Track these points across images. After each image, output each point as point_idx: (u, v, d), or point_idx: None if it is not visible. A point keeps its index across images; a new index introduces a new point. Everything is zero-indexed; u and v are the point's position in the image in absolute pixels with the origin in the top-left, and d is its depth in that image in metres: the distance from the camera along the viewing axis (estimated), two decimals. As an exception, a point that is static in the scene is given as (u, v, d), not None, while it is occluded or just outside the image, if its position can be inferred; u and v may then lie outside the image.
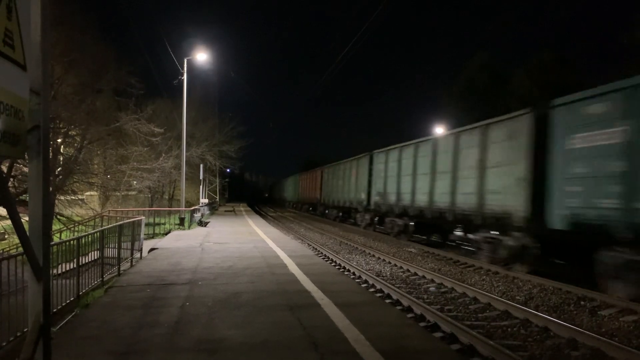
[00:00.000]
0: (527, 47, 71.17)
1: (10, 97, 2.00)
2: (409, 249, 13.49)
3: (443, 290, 8.13)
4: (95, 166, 20.92)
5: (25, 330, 3.57)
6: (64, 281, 5.48)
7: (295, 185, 44.77)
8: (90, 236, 7.08)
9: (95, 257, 7.16)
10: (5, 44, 1.95)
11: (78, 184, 18.43)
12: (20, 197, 14.00)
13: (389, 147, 17.29)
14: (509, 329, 5.79)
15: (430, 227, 14.46)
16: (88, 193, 22.02)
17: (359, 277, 9.31)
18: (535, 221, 8.77)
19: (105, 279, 6.97)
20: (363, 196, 20.35)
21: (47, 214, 2.40)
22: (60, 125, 15.98)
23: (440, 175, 12.89)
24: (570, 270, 8.79)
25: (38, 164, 2.31)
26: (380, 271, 9.96)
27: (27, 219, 2.44)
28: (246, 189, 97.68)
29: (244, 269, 7.84)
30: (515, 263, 9.49)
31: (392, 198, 16.51)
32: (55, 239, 11.10)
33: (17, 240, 8.79)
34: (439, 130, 26.52)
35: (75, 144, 17.76)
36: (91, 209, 20.73)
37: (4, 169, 13.42)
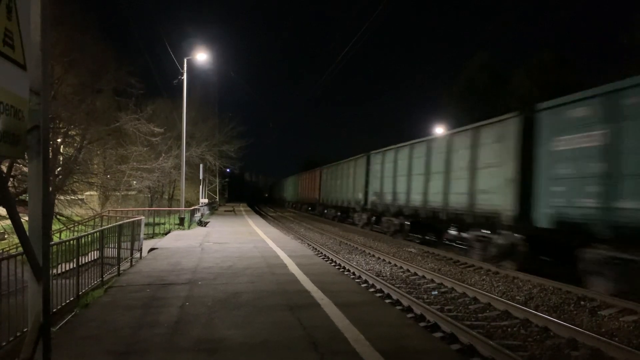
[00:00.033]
0: (527, 47, 71.24)
1: (10, 97, 2.00)
2: (409, 249, 13.49)
3: (443, 290, 8.14)
4: (95, 166, 20.92)
5: (25, 330, 3.57)
6: (63, 281, 5.48)
7: (294, 185, 44.85)
8: (90, 236, 7.08)
9: (95, 257, 7.16)
10: (5, 44, 1.95)
11: (78, 184, 18.43)
12: (20, 197, 14.00)
13: (385, 148, 17.60)
14: (509, 329, 5.79)
15: (425, 226, 14.73)
16: (88, 193, 22.03)
17: (359, 277, 9.31)
18: (523, 220, 9.10)
19: (105, 279, 6.97)
20: (360, 196, 20.61)
21: (47, 214, 2.40)
22: (60, 125, 15.98)
23: (434, 176, 13.17)
24: (556, 267, 9.03)
25: (38, 164, 2.31)
26: (380, 271, 9.96)
27: (27, 218, 2.44)
28: (246, 189, 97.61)
29: (243, 269, 7.84)
30: (505, 260, 9.74)
31: (389, 198, 16.75)
32: (55, 239, 11.10)
33: (17, 240, 8.79)
34: (439, 130, 26.55)
35: (75, 144, 17.76)
36: (91, 208, 20.74)
37: (4, 169, 13.42)
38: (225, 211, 34.33)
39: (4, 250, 12.30)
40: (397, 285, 8.33)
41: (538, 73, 29.59)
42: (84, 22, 15.67)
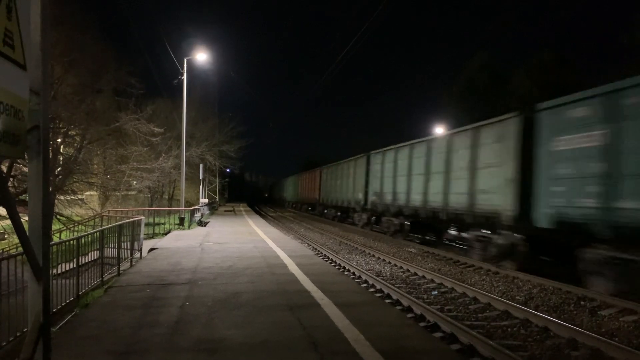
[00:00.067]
0: (527, 47, 71.21)
1: (10, 97, 2.00)
2: (409, 249, 13.49)
3: (443, 290, 8.14)
4: (95, 166, 20.92)
5: (25, 330, 3.57)
6: (63, 281, 5.48)
7: (294, 185, 44.87)
8: (90, 236, 7.08)
9: (95, 257, 7.16)
10: (5, 44, 1.95)
11: (78, 184, 18.43)
12: (20, 197, 13.99)
13: (385, 148, 17.65)
14: (509, 329, 5.79)
15: (425, 226, 14.77)
16: (88, 193, 22.03)
17: (359, 277, 9.31)
18: (523, 220, 9.12)
19: (105, 279, 6.97)
20: (360, 196, 20.67)
21: (47, 214, 2.40)
22: (60, 125, 15.98)
23: (434, 176, 13.20)
24: (556, 267, 9.05)
25: (38, 164, 2.31)
26: (380, 271, 9.96)
27: (27, 218, 2.44)
28: (246, 189, 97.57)
29: (243, 269, 7.84)
30: (505, 260, 9.76)
31: (388, 198, 16.78)
32: (55, 239, 11.10)
33: (17, 240, 8.79)
34: (439, 130, 26.56)
35: (75, 144, 17.76)
36: (91, 208, 20.74)
37: (4, 169, 13.42)
38: (225, 211, 34.33)
39: (4, 250, 12.30)
40: (397, 285, 8.33)
41: (538, 73, 29.59)
42: (84, 22, 15.67)
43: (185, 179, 23.06)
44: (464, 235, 11.59)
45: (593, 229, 7.35)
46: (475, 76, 34.06)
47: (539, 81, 28.92)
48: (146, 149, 21.64)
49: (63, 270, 5.81)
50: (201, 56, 21.41)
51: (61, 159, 17.77)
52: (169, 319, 4.73)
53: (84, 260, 6.25)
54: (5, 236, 15.82)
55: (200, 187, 30.57)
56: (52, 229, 14.09)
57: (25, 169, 13.13)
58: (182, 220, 18.28)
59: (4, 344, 3.86)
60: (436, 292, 7.83)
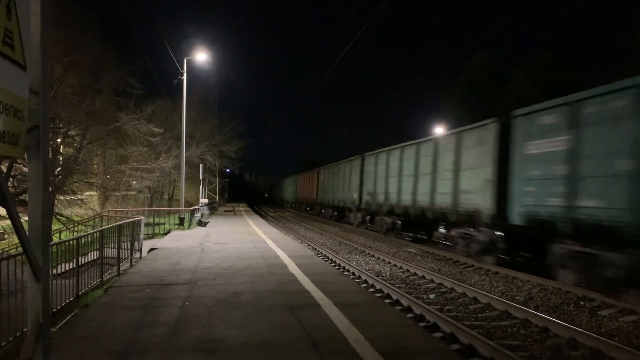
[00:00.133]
0: (527, 47, 71.15)
1: (10, 97, 2.00)
2: (409, 249, 13.50)
3: (443, 290, 8.14)
4: (95, 166, 20.92)
5: (25, 330, 3.57)
6: (63, 281, 5.47)
7: (293, 185, 45.00)
8: (89, 236, 7.07)
9: (95, 257, 7.15)
10: (4, 44, 1.95)
11: (77, 184, 18.44)
12: (20, 197, 13.99)
13: (378, 150, 18.44)
14: (509, 329, 5.80)
15: (416, 225, 15.52)
16: (87, 193, 22.04)
17: (359, 277, 9.31)
18: (500, 218, 9.88)
19: (104, 279, 6.97)
20: (355, 196, 21.28)
21: (47, 214, 2.40)
22: (60, 125, 15.97)
23: (422, 177, 13.95)
24: (531, 261, 9.75)
25: (38, 163, 2.31)
26: (380, 271, 9.96)
27: (26, 219, 2.43)
28: (246, 189, 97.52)
29: (243, 269, 7.84)
30: (485, 256, 10.44)
31: (381, 198, 17.43)
32: (55, 239, 11.10)
33: (16, 240, 8.78)
34: (439, 130, 26.58)
35: (75, 144, 17.76)
36: (91, 208, 20.74)
37: (4, 169, 13.43)
38: (225, 211, 34.33)
39: (4, 250, 12.30)
40: (397, 285, 8.33)
41: (538, 73, 29.58)
42: (84, 22, 15.68)
43: (185, 179, 23.06)
44: (452, 233, 12.20)
45: (558, 226, 8.07)
46: (475, 76, 34.06)
47: (539, 81, 28.92)
48: (146, 149, 21.65)
49: (63, 270, 5.81)
50: (201, 56, 21.43)
51: (61, 159, 17.76)
52: (168, 319, 4.73)
53: (83, 260, 6.24)
54: (5, 236, 15.82)
55: (200, 187, 30.58)
56: (52, 229, 14.08)
57: (25, 169, 13.11)
58: (182, 220, 18.28)
59: (3, 344, 3.86)
60: (434, 296, 7.74)
